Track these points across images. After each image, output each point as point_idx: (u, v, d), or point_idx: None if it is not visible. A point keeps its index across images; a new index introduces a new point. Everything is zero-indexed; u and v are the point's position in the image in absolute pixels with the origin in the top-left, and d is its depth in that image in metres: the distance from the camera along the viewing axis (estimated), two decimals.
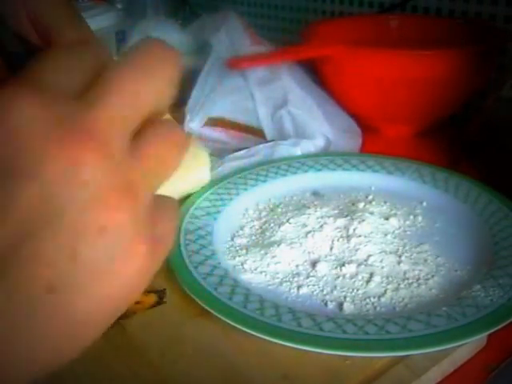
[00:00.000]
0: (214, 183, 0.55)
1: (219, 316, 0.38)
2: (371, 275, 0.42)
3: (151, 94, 0.19)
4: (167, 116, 0.25)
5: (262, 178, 0.57)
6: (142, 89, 0.18)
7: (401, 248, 0.46)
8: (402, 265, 0.44)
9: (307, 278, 0.43)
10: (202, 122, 0.64)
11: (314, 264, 0.44)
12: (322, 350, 0.35)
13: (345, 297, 0.41)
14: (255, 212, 0.53)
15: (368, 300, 0.40)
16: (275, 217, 0.51)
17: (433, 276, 0.43)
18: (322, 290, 0.42)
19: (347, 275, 0.43)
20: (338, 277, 0.43)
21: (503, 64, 0.66)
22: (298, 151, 0.62)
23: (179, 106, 0.65)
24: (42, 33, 0.26)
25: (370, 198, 0.54)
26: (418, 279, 0.42)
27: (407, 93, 0.62)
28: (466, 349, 0.36)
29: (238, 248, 0.47)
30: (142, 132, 0.19)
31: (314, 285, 0.42)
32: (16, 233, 0.16)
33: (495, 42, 0.63)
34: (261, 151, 0.62)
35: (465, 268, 0.44)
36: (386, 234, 0.47)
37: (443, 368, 0.36)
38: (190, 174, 0.54)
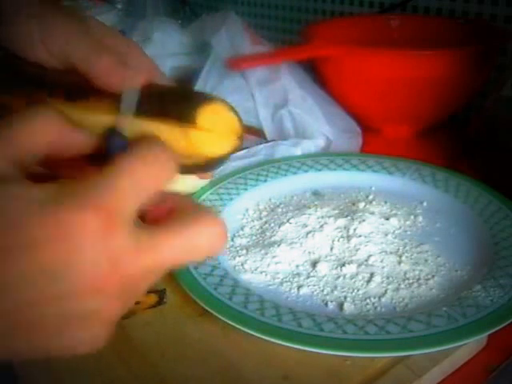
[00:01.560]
0: (214, 183, 0.55)
1: (219, 316, 0.38)
2: (371, 275, 0.42)
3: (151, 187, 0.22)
4: None
5: (263, 178, 0.57)
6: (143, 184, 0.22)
7: (401, 248, 0.46)
8: (402, 265, 0.44)
9: (307, 278, 0.43)
10: None
11: (314, 264, 0.44)
12: (323, 351, 0.35)
13: (345, 297, 0.41)
14: (255, 212, 0.53)
15: (368, 300, 0.40)
16: (275, 217, 0.51)
17: (433, 276, 0.42)
18: (323, 290, 0.42)
19: (347, 275, 0.43)
20: (339, 277, 0.43)
21: (503, 64, 0.66)
22: (298, 151, 0.62)
23: None
24: (72, 66, 0.28)
25: (371, 198, 0.54)
26: (419, 279, 0.42)
27: (407, 93, 0.62)
28: (466, 349, 0.36)
29: (238, 248, 0.47)
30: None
31: (314, 285, 0.42)
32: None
33: (495, 42, 0.63)
34: (261, 151, 0.62)
35: (465, 268, 0.44)
36: (386, 234, 0.47)
37: (443, 368, 0.36)
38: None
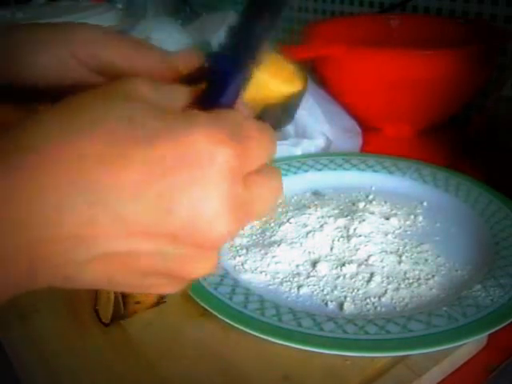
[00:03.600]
0: None
1: (219, 316, 0.38)
2: (372, 275, 0.42)
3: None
4: None
5: None
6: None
7: (401, 248, 0.46)
8: (402, 265, 0.44)
9: (307, 277, 0.43)
10: None
11: (314, 264, 0.44)
12: (323, 350, 0.35)
13: (345, 297, 0.41)
14: None
15: (368, 300, 0.40)
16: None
17: (433, 276, 0.42)
18: (323, 290, 0.41)
19: (347, 275, 0.43)
20: (339, 277, 0.43)
21: (503, 64, 0.66)
22: (298, 151, 0.62)
23: None
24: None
25: (371, 197, 0.54)
26: (419, 279, 0.42)
27: (407, 93, 0.62)
28: (466, 349, 0.36)
29: (238, 248, 0.47)
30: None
31: (314, 285, 0.42)
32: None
33: (495, 42, 0.63)
34: None
35: (465, 268, 0.44)
36: (386, 234, 0.47)
37: (443, 368, 0.36)
38: None
